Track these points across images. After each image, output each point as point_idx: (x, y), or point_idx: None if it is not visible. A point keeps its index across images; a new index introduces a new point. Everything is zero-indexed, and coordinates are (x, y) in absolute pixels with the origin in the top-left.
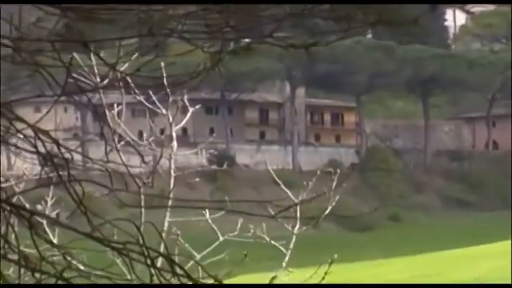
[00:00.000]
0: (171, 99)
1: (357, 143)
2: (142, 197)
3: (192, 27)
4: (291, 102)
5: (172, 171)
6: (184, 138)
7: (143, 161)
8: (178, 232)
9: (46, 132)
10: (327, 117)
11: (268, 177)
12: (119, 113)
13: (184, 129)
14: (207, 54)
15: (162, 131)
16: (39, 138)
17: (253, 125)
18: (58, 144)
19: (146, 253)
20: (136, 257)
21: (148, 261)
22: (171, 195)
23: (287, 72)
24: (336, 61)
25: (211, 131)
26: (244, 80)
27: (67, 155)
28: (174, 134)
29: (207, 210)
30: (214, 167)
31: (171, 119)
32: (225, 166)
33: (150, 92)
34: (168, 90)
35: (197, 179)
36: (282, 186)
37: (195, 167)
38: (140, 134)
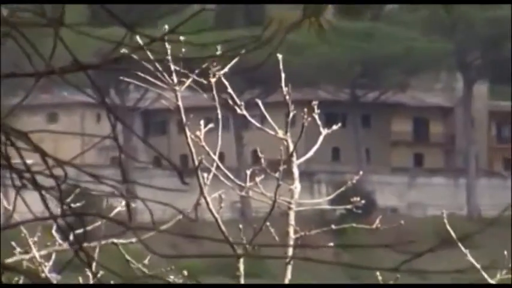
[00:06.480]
0: (292, 110)
1: None
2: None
3: None
4: (465, 106)
5: (291, 231)
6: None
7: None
8: None
9: (66, 163)
10: None
11: (429, 229)
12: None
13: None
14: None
15: (255, 155)
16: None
17: (403, 143)
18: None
19: None
20: None
21: None
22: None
23: (459, 57)
24: None
25: (336, 153)
26: (389, 69)
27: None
28: (296, 170)
29: None
30: (340, 211)
31: (290, 143)
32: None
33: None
34: (285, 88)
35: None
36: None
37: (310, 211)
38: (220, 158)
